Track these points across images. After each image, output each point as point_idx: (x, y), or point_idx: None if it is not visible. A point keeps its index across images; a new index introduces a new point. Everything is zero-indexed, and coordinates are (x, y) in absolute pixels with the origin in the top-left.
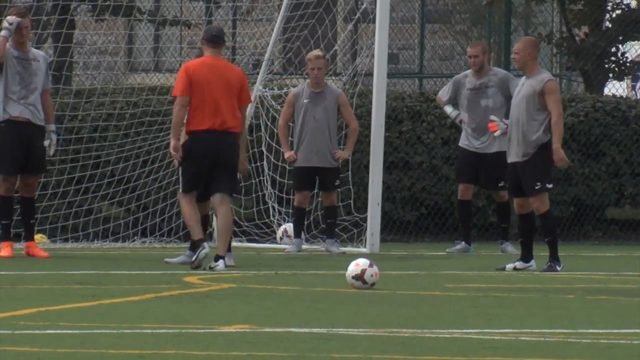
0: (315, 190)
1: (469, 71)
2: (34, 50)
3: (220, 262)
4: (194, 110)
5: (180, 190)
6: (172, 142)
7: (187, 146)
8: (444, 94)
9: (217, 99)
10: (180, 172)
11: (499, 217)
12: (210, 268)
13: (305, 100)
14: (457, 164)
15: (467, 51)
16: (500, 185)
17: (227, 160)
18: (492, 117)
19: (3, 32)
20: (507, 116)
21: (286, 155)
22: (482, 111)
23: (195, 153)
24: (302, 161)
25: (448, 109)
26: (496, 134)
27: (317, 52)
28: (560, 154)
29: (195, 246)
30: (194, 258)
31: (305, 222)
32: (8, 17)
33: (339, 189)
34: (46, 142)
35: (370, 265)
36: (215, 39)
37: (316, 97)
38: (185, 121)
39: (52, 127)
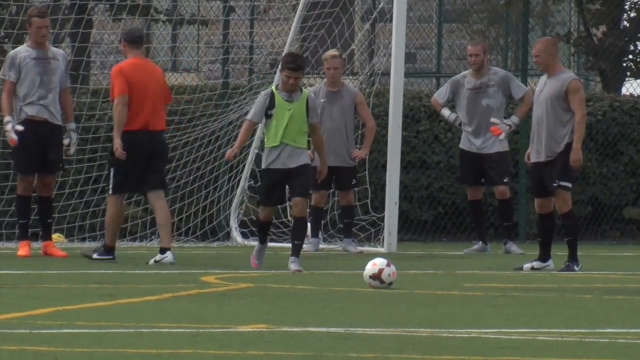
0: (333, 190)
1: (467, 72)
2: (54, 49)
3: (168, 253)
4: (130, 110)
5: (112, 192)
6: (118, 142)
7: (123, 146)
8: (440, 96)
9: (152, 99)
10: (112, 173)
11: (500, 216)
12: (156, 261)
13: (322, 100)
14: (461, 167)
15: (467, 49)
16: (504, 180)
17: (161, 158)
18: (494, 120)
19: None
20: (506, 116)
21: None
22: (483, 111)
23: (132, 152)
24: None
25: (445, 112)
26: (501, 137)
27: (333, 51)
28: (578, 154)
29: (109, 251)
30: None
31: (323, 222)
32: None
33: (356, 189)
34: (66, 141)
35: (388, 265)
36: (139, 40)
37: (333, 97)
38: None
39: (72, 125)
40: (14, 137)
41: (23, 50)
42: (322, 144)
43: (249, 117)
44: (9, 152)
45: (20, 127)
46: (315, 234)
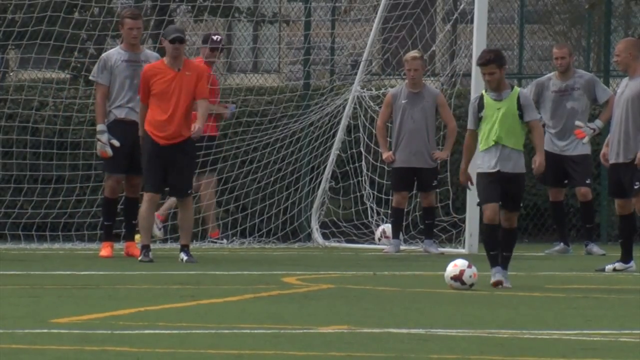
0: (414, 191)
1: (552, 74)
2: (147, 52)
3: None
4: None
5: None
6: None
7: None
8: None
9: None
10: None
11: (582, 217)
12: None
13: (403, 101)
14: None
15: (553, 52)
16: (587, 182)
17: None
18: (578, 123)
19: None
20: (590, 120)
21: (384, 156)
22: (568, 113)
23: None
24: (401, 162)
25: None
26: (584, 141)
27: (414, 53)
28: None
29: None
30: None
31: (404, 223)
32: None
33: (437, 190)
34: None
35: (469, 266)
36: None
37: (414, 98)
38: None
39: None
40: (109, 151)
41: (115, 53)
42: (540, 141)
43: (468, 126)
44: (91, 153)
45: (116, 143)
46: (396, 236)
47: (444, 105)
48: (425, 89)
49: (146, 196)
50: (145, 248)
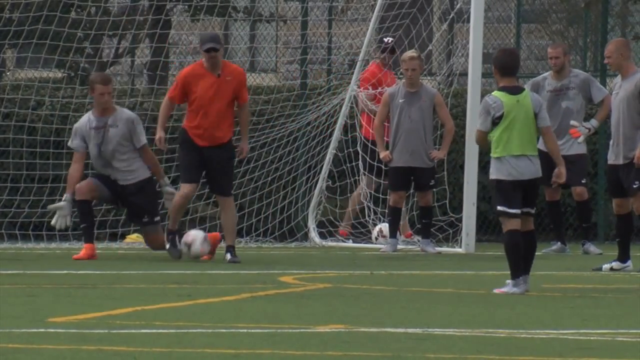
0: (411, 191)
1: (547, 73)
2: (119, 112)
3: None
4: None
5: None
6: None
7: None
8: None
9: None
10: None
11: (578, 217)
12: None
13: (400, 100)
14: None
15: (548, 52)
16: (582, 182)
17: None
18: (573, 122)
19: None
20: (586, 119)
21: (382, 155)
22: (563, 113)
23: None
24: (398, 161)
25: None
26: (579, 140)
27: (411, 52)
28: None
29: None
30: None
31: (401, 222)
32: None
33: (434, 189)
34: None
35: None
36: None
37: (411, 97)
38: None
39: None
40: (62, 225)
41: (86, 121)
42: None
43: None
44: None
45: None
46: (393, 235)
47: (441, 105)
48: (423, 89)
49: (183, 188)
50: (172, 234)
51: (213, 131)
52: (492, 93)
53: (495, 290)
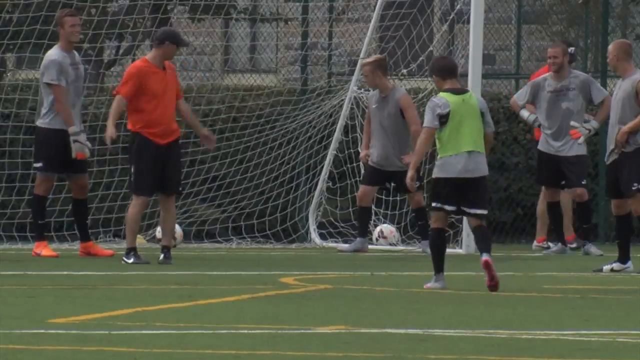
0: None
1: (547, 74)
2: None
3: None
4: None
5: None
6: None
7: None
8: (520, 97)
9: None
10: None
11: (579, 218)
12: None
13: (373, 106)
14: (539, 168)
15: (547, 52)
16: (583, 183)
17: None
18: (573, 123)
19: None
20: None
21: (361, 154)
22: (563, 113)
23: None
24: (376, 164)
25: (525, 113)
26: (580, 141)
27: (366, 59)
28: (623, 136)
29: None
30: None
31: (402, 223)
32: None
33: (423, 190)
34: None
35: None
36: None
37: (382, 103)
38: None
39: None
40: (87, 152)
41: (61, 55)
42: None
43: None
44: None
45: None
46: (362, 234)
47: (406, 108)
48: (391, 93)
49: (139, 199)
50: (133, 250)
51: (170, 124)
52: (438, 94)
53: (425, 286)
